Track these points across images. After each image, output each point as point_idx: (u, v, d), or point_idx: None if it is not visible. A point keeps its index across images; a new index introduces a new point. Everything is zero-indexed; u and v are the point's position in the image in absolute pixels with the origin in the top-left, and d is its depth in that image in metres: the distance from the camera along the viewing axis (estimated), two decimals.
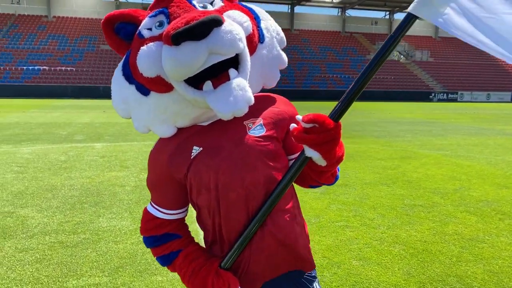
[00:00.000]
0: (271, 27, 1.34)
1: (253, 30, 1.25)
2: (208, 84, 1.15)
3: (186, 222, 1.42)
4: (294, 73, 44.66)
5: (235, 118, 1.21)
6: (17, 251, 3.72)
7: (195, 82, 1.15)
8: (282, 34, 1.39)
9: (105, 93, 36.06)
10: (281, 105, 1.38)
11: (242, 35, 1.15)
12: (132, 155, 8.47)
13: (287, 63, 1.40)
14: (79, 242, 3.94)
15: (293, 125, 1.18)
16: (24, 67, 38.36)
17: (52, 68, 38.90)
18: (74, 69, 39.59)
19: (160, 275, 3.29)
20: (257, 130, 1.28)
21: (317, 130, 1.11)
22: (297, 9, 54.85)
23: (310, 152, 1.14)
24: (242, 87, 1.15)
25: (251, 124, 1.29)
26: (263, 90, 1.42)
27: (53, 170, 6.93)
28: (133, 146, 9.63)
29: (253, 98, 1.19)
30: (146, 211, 1.40)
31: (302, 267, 1.41)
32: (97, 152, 8.80)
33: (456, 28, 0.98)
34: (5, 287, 3.09)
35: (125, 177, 6.55)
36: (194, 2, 1.22)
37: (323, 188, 6.03)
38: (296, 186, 1.43)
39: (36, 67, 38.61)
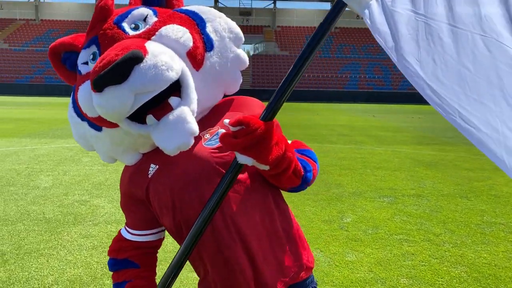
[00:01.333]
0: (221, 26, 1.22)
1: (194, 41, 1.13)
2: (150, 118, 1.08)
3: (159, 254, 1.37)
4: (391, 75, 42.58)
5: None
6: (80, 236, 4.07)
7: (139, 115, 1.07)
8: (236, 30, 1.26)
9: None
10: (246, 108, 1.28)
11: (172, 62, 1.03)
12: None
13: (247, 62, 1.28)
14: None
15: (221, 131, 1.08)
16: None
17: None
18: None
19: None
20: (213, 140, 1.20)
21: (243, 132, 0.99)
22: None
23: (241, 158, 1.01)
24: (183, 119, 1.05)
25: (207, 135, 1.21)
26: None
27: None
28: None
29: (197, 129, 1.07)
30: (119, 231, 1.36)
31: None
32: None
33: (376, 28, 0.79)
34: (60, 268, 3.40)
35: None
36: (124, 24, 1.14)
37: (392, 197, 5.65)
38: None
39: None
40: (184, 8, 1.24)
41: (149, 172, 1.21)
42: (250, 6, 52.18)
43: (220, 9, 51.75)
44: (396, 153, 9.34)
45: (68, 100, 1.27)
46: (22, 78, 40.00)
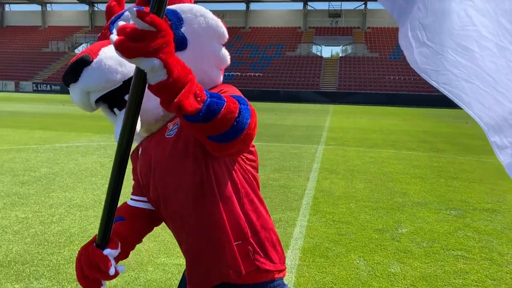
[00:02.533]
0: (200, 26, 1.27)
1: None
2: (116, 110, 1.23)
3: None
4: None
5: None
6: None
7: (118, 102, 1.21)
8: (218, 28, 1.29)
9: (285, 97, 38.63)
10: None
11: (117, 66, 1.12)
12: (276, 156, 8.89)
13: (228, 61, 1.33)
14: None
15: (114, 35, 0.87)
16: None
17: (243, 74, 43.50)
18: (261, 74, 43.39)
19: None
20: (172, 131, 1.28)
21: (154, 36, 0.86)
22: None
23: (145, 63, 0.86)
24: None
25: (171, 125, 1.29)
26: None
27: None
28: (280, 147, 10.09)
29: (138, 128, 1.12)
30: None
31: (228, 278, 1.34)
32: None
33: None
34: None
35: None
36: (115, 25, 1.23)
37: (460, 210, 5.22)
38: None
39: (231, 73, 43.85)
40: (168, 7, 1.26)
41: (139, 153, 1.38)
42: (339, 8, 51.28)
43: (309, 12, 51.90)
44: (481, 164, 8.55)
45: None
46: None
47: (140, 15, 0.84)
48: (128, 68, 1.15)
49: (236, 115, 1.02)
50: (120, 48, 0.85)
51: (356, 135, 13.06)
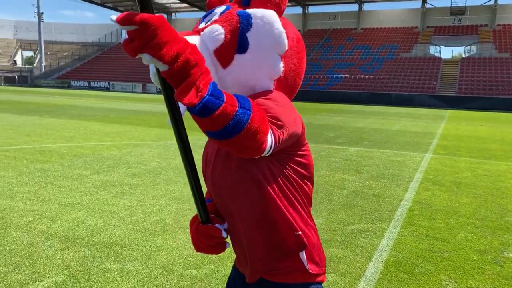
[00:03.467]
0: (266, 33, 1.31)
1: (225, 42, 1.28)
2: None
3: None
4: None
5: None
6: None
7: None
8: (282, 40, 1.32)
9: (396, 100, 36.65)
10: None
11: None
12: (375, 162, 8.52)
13: (281, 72, 1.36)
14: None
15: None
16: (330, 75, 43.50)
17: (353, 76, 42.41)
18: (371, 76, 41.82)
19: None
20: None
21: (138, 33, 0.93)
22: None
23: (145, 58, 0.95)
24: None
25: None
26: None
27: None
28: (381, 154, 9.63)
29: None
30: None
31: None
32: (346, 155, 9.31)
33: None
34: None
35: (351, 181, 6.76)
36: (205, 19, 1.38)
37: None
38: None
39: (339, 75, 43.12)
40: (244, 10, 1.36)
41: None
42: (464, 5, 46.90)
43: (427, 10, 48.52)
44: None
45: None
46: None
47: (117, 19, 0.91)
48: None
49: (231, 117, 1.02)
50: (124, 49, 0.95)
51: (472, 144, 11.84)
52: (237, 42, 1.29)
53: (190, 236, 1.60)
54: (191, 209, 5.01)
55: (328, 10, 55.55)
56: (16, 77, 56.25)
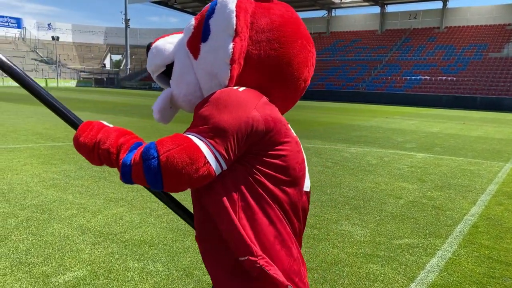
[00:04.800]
0: (223, 16, 1.21)
1: (193, 32, 1.27)
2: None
3: None
4: None
5: None
6: None
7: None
8: (229, 18, 1.19)
9: (482, 104, 33.61)
10: (201, 103, 1.20)
11: (158, 54, 1.33)
12: (443, 171, 7.75)
13: (228, 53, 1.19)
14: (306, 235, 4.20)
15: None
16: (408, 77, 41.25)
17: (433, 78, 39.80)
18: (454, 78, 38.91)
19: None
20: None
21: None
22: None
23: None
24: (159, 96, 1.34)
25: None
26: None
27: (353, 170, 7.44)
28: (452, 162, 8.75)
29: (155, 107, 1.33)
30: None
31: None
32: (412, 162, 8.61)
33: None
34: None
35: (410, 191, 6.18)
36: None
37: None
38: None
39: (418, 77, 40.71)
40: None
41: None
42: None
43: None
44: None
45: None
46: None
47: None
48: (167, 53, 1.32)
49: (143, 175, 1.07)
50: None
51: None
52: (201, 30, 1.24)
53: None
54: None
55: (408, 8, 52.70)
56: (105, 79, 61.10)
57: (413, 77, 40.95)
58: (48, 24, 69.00)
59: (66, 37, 69.87)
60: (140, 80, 58.09)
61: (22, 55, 59.49)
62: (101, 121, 1.21)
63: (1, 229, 4.09)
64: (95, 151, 1.12)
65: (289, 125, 1.29)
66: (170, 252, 3.70)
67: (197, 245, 3.82)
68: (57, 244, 3.78)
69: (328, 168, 7.56)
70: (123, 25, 62.38)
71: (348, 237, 4.21)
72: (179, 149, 1.05)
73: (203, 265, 3.47)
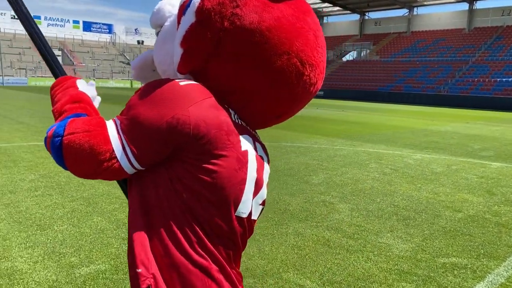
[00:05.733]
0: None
1: None
2: None
3: None
4: None
5: None
6: (282, 233, 4.23)
7: None
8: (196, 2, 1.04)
9: None
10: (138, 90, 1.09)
11: (157, 13, 1.19)
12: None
13: (180, 36, 1.06)
14: (339, 245, 3.93)
15: None
16: (498, 79, 37.74)
17: None
18: None
19: None
20: None
21: None
22: None
23: None
24: None
25: None
26: None
27: (413, 178, 6.88)
28: None
29: (132, 68, 1.26)
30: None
31: None
32: (484, 172, 7.77)
33: None
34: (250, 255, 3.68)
35: (474, 204, 5.54)
36: None
37: None
38: None
39: (510, 79, 37.06)
40: None
41: None
42: None
43: None
44: None
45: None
46: (384, 86, 43.65)
47: None
48: (156, 17, 1.21)
49: (49, 146, 0.99)
50: None
51: None
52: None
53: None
54: (264, 215, 4.74)
55: (501, 4, 48.27)
56: None
57: (504, 79, 37.33)
58: (135, 29, 74.17)
59: (151, 41, 74.45)
60: None
61: (112, 58, 64.51)
62: (79, 80, 1.16)
63: (48, 218, 4.36)
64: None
65: (251, 137, 1.11)
66: None
67: None
68: (90, 236, 3.93)
69: (385, 175, 7.09)
70: None
71: (386, 251, 3.86)
72: (84, 135, 0.95)
73: None
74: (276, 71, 1.05)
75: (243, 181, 1.07)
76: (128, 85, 56.13)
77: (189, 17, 1.04)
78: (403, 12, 56.68)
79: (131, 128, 0.97)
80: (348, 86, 45.60)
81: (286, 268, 3.44)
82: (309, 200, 5.39)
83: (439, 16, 53.77)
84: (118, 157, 0.97)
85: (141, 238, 1.01)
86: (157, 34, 1.19)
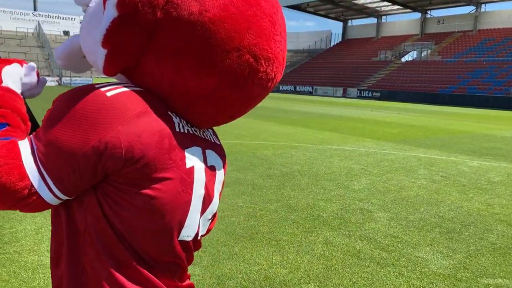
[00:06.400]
0: None
1: None
2: None
3: None
4: None
5: None
6: (316, 238, 4.00)
7: None
8: None
9: None
10: (55, 100, 0.91)
11: None
12: None
13: (101, 35, 0.87)
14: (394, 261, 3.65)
15: None
16: None
17: None
18: None
19: None
20: None
21: None
22: None
23: None
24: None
25: None
26: None
27: (465, 187, 6.33)
28: None
29: (57, 54, 1.03)
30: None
31: None
32: None
33: None
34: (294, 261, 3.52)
35: None
36: None
37: None
38: None
39: None
40: None
41: None
42: None
43: None
44: None
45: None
46: (446, 88, 41.32)
47: None
48: None
49: None
50: None
51: None
52: None
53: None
54: (294, 221, 4.54)
55: None
56: None
57: None
58: None
59: None
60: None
61: None
62: (7, 67, 0.96)
63: None
64: None
65: (200, 146, 0.97)
66: (214, 256, 3.57)
67: (244, 253, 3.64)
68: None
69: (434, 183, 6.59)
70: None
71: (422, 266, 3.52)
72: None
73: (241, 275, 3.25)
74: (224, 71, 0.88)
75: (187, 204, 0.93)
76: None
77: (110, 11, 0.85)
78: (469, 9, 53.41)
79: (50, 157, 0.80)
80: (407, 88, 43.70)
81: (308, 279, 3.24)
82: (345, 207, 5.11)
83: (509, 13, 50.01)
84: (39, 192, 0.81)
85: (71, 273, 0.89)
86: (84, 12, 0.98)
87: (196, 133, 0.99)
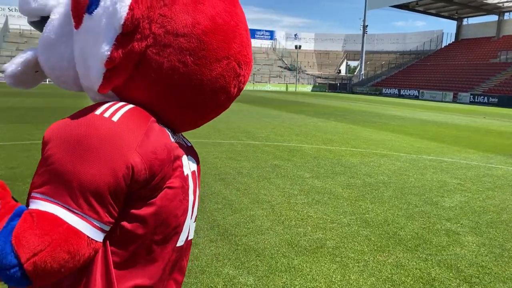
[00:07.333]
0: (114, 2, 0.84)
1: None
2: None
3: None
4: None
5: None
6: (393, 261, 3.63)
7: None
8: (119, 7, 0.81)
9: None
10: (49, 143, 0.85)
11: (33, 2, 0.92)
12: None
13: (105, 56, 0.84)
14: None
15: None
16: None
17: None
18: None
19: None
20: None
21: None
22: None
23: None
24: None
25: None
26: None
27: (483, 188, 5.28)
28: None
29: (8, 76, 0.95)
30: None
31: None
32: None
33: None
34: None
35: None
36: None
37: None
38: None
39: None
40: None
41: None
42: None
43: None
44: None
45: None
46: None
47: None
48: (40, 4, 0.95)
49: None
50: None
51: None
52: None
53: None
54: (367, 237, 4.20)
55: None
56: (338, 84, 63.52)
57: None
58: (295, 35, 76.62)
59: (309, 46, 76.05)
60: (372, 85, 57.69)
61: (271, 63, 68.06)
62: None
63: None
64: None
65: (185, 152, 0.98)
66: (272, 267, 3.45)
67: (304, 267, 3.46)
68: None
69: None
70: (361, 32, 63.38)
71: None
72: (52, 248, 0.75)
73: None
74: (214, 78, 0.93)
75: (185, 211, 0.98)
76: (283, 88, 58.42)
77: (109, 29, 0.82)
78: None
79: (92, 200, 0.78)
80: None
81: None
82: (428, 226, 4.59)
83: None
84: (96, 239, 0.81)
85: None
86: (30, 23, 0.96)
87: (179, 140, 1.00)
